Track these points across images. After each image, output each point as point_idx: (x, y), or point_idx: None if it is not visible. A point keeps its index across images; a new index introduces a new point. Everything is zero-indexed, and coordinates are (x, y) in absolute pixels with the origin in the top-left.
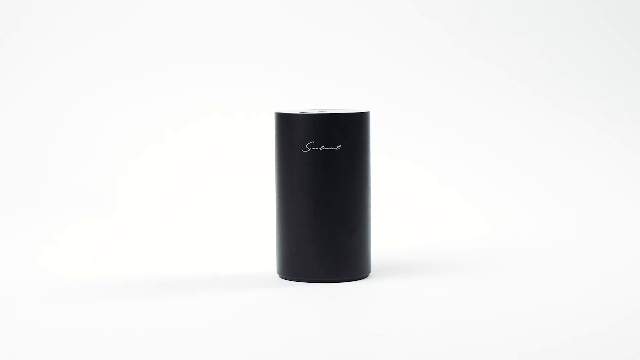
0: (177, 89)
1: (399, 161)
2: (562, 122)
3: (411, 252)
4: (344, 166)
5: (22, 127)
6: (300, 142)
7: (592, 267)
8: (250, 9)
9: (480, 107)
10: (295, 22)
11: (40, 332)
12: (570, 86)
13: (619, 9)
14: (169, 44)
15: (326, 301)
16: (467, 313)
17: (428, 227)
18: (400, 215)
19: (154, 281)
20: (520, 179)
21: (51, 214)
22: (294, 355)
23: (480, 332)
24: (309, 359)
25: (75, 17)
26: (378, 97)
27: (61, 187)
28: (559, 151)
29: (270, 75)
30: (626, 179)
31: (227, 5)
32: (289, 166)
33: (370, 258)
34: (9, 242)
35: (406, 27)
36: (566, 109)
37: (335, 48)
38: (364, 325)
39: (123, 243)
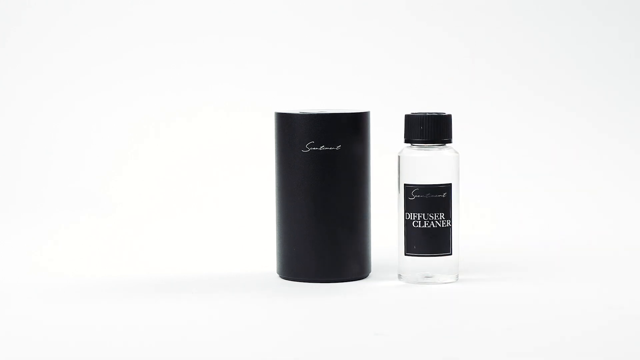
0: (177, 88)
1: None
2: (563, 122)
3: None
4: (344, 166)
5: (21, 127)
6: (300, 142)
7: (595, 266)
8: (250, 8)
9: (480, 107)
10: (295, 22)
11: (39, 332)
12: (571, 86)
13: (620, 9)
14: (168, 43)
15: (326, 301)
16: (467, 313)
17: None
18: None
19: (153, 281)
20: (521, 179)
21: (50, 214)
22: (294, 355)
23: (480, 332)
24: (309, 358)
25: (72, 17)
26: (378, 97)
27: (60, 187)
28: (560, 150)
29: (270, 75)
30: (628, 178)
31: (227, 5)
32: (289, 166)
33: (370, 258)
34: (8, 242)
35: (406, 28)
36: (569, 109)
37: (336, 48)
38: (363, 325)
39: (122, 243)
